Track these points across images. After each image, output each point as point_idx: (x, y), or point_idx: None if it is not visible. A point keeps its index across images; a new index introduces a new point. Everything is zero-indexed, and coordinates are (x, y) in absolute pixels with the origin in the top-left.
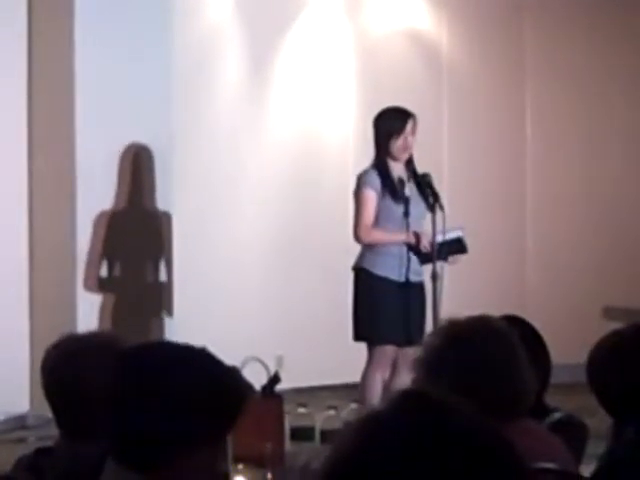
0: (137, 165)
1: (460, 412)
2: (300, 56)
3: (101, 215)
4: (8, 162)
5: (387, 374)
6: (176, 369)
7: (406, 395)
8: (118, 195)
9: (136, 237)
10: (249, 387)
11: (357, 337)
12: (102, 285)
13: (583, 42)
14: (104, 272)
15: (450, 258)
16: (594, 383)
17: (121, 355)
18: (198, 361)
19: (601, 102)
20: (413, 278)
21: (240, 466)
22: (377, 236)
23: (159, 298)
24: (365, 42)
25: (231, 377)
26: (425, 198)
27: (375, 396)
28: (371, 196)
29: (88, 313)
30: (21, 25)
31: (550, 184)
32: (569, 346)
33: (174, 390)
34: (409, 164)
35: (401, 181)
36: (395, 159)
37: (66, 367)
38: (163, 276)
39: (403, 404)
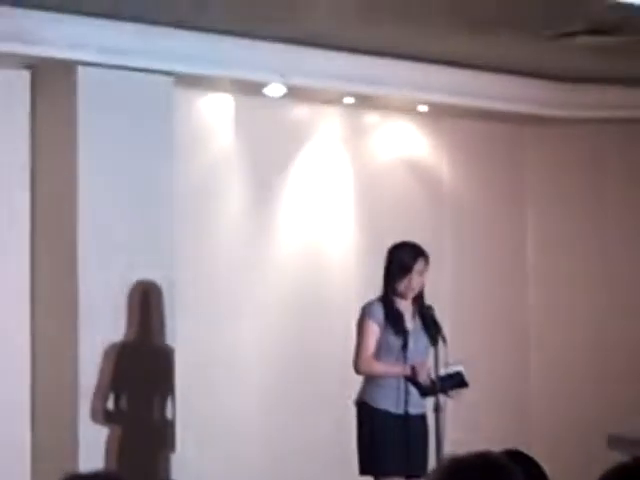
0: (139, 299)
1: None
2: (302, 187)
3: (104, 349)
4: (10, 310)
5: None
6: None
7: None
8: (121, 329)
9: (140, 371)
10: None
11: (362, 471)
12: (107, 418)
13: (582, 171)
14: (110, 405)
15: (451, 392)
16: None
17: None
18: None
19: (598, 231)
20: (412, 411)
21: None
22: (375, 368)
23: (163, 435)
24: (365, 172)
25: None
26: (429, 333)
27: None
28: (373, 328)
29: (91, 450)
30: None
31: (553, 313)
32: (574, 478)
33: None
34: (417, 299)
35: (399, 313)
36: (402, 297)
37: None
38: (167, 412)
39: None
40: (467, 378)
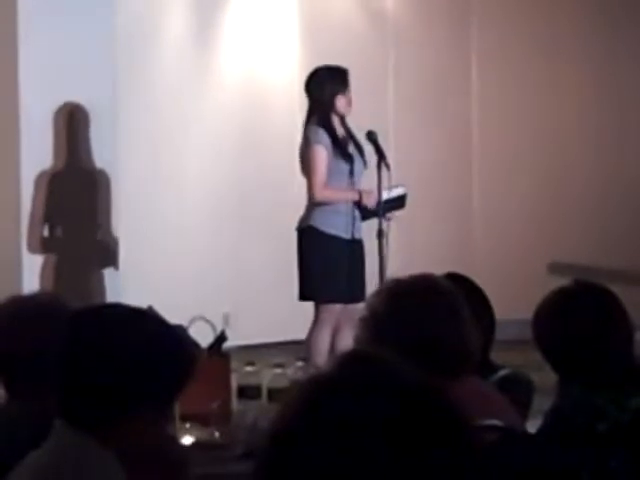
0: (80, 124)
1: (402, 372)
2: (245, 14)
3: (43, 175)
4: None
5: (332, 331)
6: (123, 331)
7: (347, 358)
8: (61, 154)
9: (78, 197)
10: (195, 346)
11: (303, 296)
12: (45, 245)
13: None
14: (46, 232)
15: (387, 214)
16: (539, 340)
17: (70, 317)
18: (145, 322)
19: (546, 49)
20: (357, 235)
21: (187, 425)
22: (330, 194)
23: (105, 256)
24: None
25: (177, 337)
26: (361, 155)
27: (322, 354)
28: (322, 153)
29: (33, 274)
30: None
31: (496, 140)
32: (515, 302)
33: (121, 352)
34: (343, 122)
35: (344, 139)
36: (340, 116)
37: (9, 329)
38: (110, 233)
39: (344, 367)
40: (407, 200)
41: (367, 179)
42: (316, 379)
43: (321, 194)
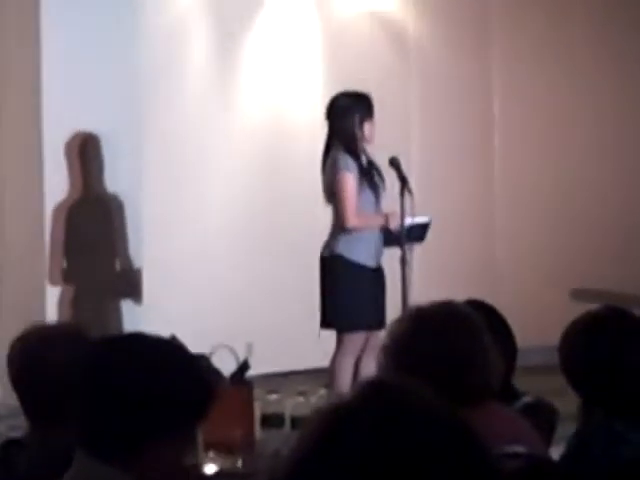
0: (101, 153)
1: (422, 401)
2: (267, 41)
3: (63, 204)
4: None
5: (356, 358)
6: (145, 362)
7: (369, 387)
8: (81, 183)
9: (97, 226)
10: (218, 376)
11: (326, 324)
12: (69, 275)
13: (547, 23)
14: (65, 264)
15: (407, 246)
16: (563, 362)
17: (90, 347)
18: (167, 353)
19: (567, 84)
20: (380, 262)
21: (211, 454)
22: (362, 221)
23: (128, 286)
24: (332, 25)
25: (199, 368)
26: (383, 182)
27: (345, 381)
28: (352, 180)
29: (57, 305)
30: None
31: (517, 166)
32: (538, 328)
33: (143, 383)
34: (364, 150)
35: (369, 167)
36: (367, 144)
37: (32, 358)
38: (132, 263)
39: (365, 396)
40: (429, 231)
41: (388, 205)
42: (335, 408)
43: (353, 221)
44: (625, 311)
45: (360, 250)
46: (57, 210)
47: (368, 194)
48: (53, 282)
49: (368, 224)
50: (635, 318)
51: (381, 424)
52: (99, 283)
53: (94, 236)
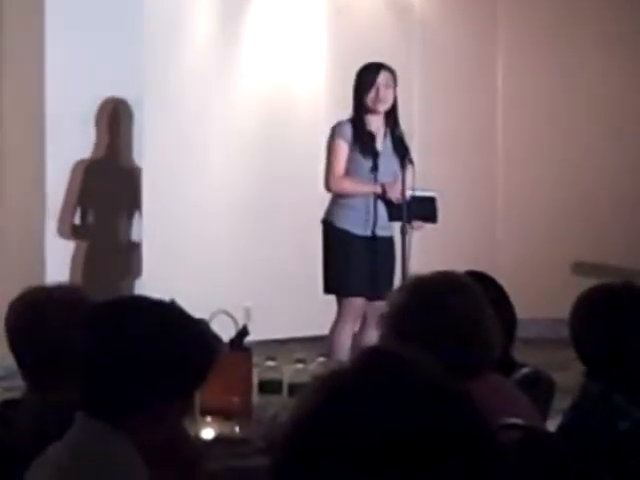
0: (107, 117)
1: (422, 370)
2: (271, 12)
3: (72, 166)
4: None
5: (356, 327)
6: (146, 324)
7: (368, 354)
8: (88, 147)
9: (107, 189)
10: (218, 340)
11: (326, 290)
12: (74, 233)
13: (554, 1)
14: (77, 221)
15: (415, 223)
16: (573, 331)
17: (92, 310)
18: (167, 315)
19: (574, 55)
20: (380, 233)
21: (208, 419)
22: (346, 186)
23: (129, 251)
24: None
25: (200, 331)
26: (399, 155)
27: (344, 350)
28: (342, 147)
29: (57, 263)
30: None
31: (521, 141)
32: (538, 301)
33: (144, 345)
34: (388, 118)
35: (370, 135)
36: (372, 112)
37: (31, 320)
38: (133, 230)
39: (365, 364)
40: (438, 214)
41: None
42: (333, 375)
43: (336, 185)
44: (635, 286)
45: (348, 217)
46: (58, 177)
47: (361, 161)
48: (53, 245)
49: (354, 190)
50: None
51: (380, 392)
52: (99, 250)
53: (95, 204)
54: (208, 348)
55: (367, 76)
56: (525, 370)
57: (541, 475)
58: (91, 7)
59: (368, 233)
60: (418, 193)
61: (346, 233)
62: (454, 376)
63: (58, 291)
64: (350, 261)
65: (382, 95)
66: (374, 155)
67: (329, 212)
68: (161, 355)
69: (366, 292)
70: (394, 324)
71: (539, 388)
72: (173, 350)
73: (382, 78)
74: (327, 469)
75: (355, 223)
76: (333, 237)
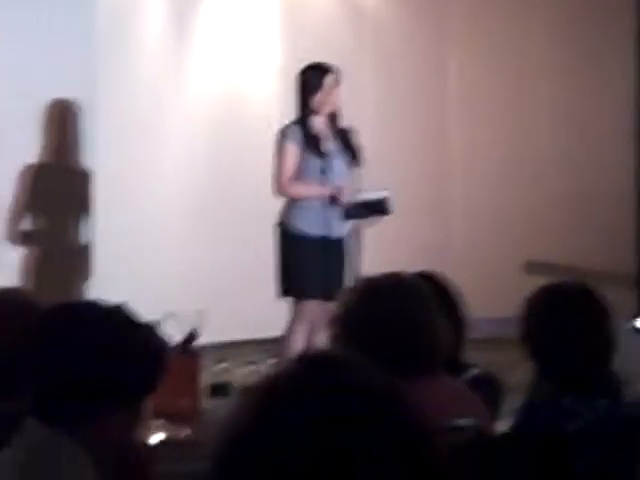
0: (57, 120)
1: (356, 373)
2: (223, 11)
3: (19, 169)
4: None
5: (309, 329)
6: (93, 328)
7: (300, 360)
8: (36, 150)
9: (56, 192)
10: (166, 345)
11: (282, 292)
12: (23, 237)
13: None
14: (25, 224)
15: (372, 218)
16: (523, 330)
17: (41, 314)
18: (115, 321)
19: (528, 54)
20: (333, 234)
21: (158, 422)
22: (296, 189)
23: (79, 255)
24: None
25: (146, 336)
26: (349, 154)
27: (295, 351)
28: (292, 150)
29: (6, 267)
30: None
31: (473, 139)
32: (490, 301)
33: (92, 349)
34: (333, 120)
35: (322, 137)
36: (317, 114)
37: None
38: (84, 233)
39: (296, 370)
40: (392, 205)
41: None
42: (267, 383)
43: (285, 189)
44: (592, 290)
45: (302, 218)
46: (5, 181)
47: (311, 163)
48: (1, 249)
49: (303, 194)
50: (600, 297)
51: (311, 397)
52: (49, 254)
53: (44, 207)
54: (155, 353)
55: (313, 79)
56: (475, 371)
57: (491, 477)
58: (41, 7)
59: (323, 233)
60: (370, 195)
61: (302, 234)
62: (402, 377)
63: (6, 296)
64: (306, 263)
65: (330, 98)
66: (324, 156)
67: (284, 214)
68: (109, 360)
69: (318, 294)
70: (344, 325)
71: (488, 389)
72: (121, 356)
73: (329, 80)
74: (260, 477)
75: (311, 223)
76: (289, 239)
